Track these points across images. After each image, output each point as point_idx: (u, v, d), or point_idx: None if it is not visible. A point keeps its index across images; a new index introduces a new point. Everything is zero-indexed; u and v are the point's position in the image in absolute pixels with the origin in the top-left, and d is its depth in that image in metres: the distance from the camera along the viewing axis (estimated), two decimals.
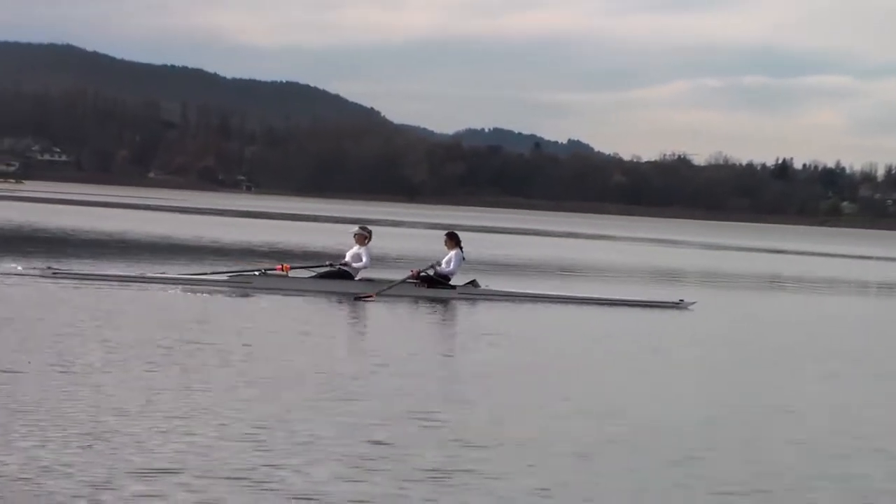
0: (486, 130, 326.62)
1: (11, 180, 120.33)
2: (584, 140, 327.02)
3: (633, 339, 17.96)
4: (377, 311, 19.44)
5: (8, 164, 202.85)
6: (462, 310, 20.56)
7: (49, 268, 21.26)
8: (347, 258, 22.14)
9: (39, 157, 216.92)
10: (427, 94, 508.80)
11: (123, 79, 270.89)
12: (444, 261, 22.39)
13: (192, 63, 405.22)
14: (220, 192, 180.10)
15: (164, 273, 22.16)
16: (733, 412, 11.97)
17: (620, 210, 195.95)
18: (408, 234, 56.80)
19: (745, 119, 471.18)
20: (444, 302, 21.30)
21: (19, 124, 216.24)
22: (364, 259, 22.00)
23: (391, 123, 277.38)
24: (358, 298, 20.39)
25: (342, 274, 21.88)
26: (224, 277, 21.62)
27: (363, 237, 22.30)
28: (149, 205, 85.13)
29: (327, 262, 22.64)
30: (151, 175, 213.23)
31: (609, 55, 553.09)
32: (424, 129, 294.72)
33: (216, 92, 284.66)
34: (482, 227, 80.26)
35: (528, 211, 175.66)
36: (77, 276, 20.85)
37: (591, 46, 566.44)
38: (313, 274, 22.12)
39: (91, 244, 33.64)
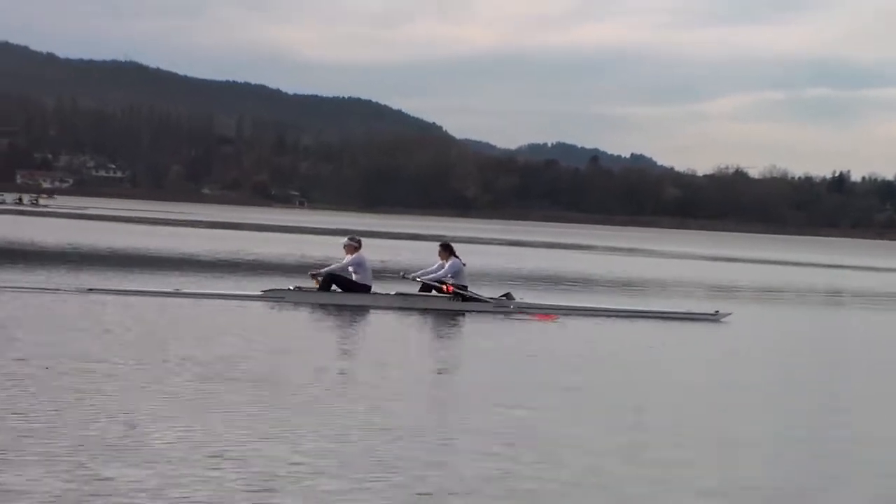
0: (549, 145, 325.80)
1: (44, 196, 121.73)
2: (647, 154, 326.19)
3: (653, 351, 18.07)
4: (409, 325, 19.50)
5: (61, 181, 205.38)
6: (495, 324, 20.43)
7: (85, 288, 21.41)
8: (350, 269, 21.99)
9: (94, 173, 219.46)
10: (490, 108, 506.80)
11: (187, 95, 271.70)
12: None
13: (255, 79, 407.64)
14: (272, 208, 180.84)
15: (200, 289, 22.46)
16: (707, 423, 11.79)
17: (674, 224, 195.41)
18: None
19: (808, 132, 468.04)
20: (479, 315, 21.31)
21: (77, 141, 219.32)
22: (349, 263, 21.92)
23: (452, 138, 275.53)
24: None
25: (363, 286, 21.87)
26: (258, 293, 21.75)
27: (353, 248, 22.18)
28: (188, 220, 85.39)
29: (310, 273, 22.34)
30: (205, 190, 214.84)
31: (673, 68, 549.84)
32: (487, 144, 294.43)
33: (278, 107, 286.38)
34: (531, 241, 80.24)
35: (581, 225, 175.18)
36: (112, 293, 21.04)
37: (655, 60, 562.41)
38: (316, 288, 21.84)
39: (108, 260, 33.75)
